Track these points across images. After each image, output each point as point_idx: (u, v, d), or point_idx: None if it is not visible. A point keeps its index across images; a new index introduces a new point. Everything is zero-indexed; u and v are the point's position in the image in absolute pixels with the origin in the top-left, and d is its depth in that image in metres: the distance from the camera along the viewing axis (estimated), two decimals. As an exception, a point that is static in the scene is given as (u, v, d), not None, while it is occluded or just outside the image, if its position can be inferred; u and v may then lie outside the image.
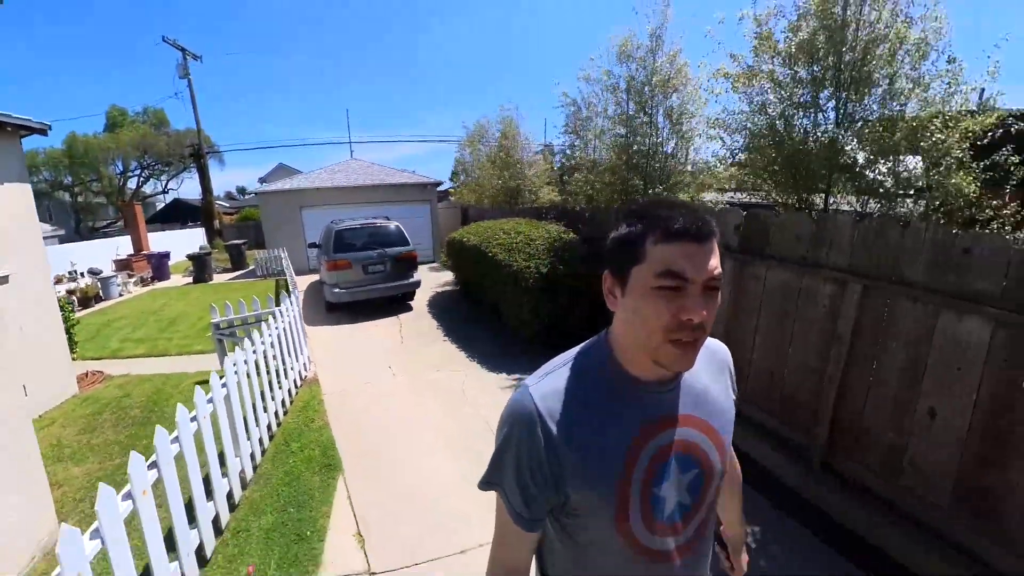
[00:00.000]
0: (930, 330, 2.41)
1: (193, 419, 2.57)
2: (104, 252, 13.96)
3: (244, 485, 3.08)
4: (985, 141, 3.27)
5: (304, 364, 5.06)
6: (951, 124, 3.25)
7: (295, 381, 4.64)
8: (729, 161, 4.67)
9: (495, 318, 6.79)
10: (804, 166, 3.80)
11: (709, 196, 6.09)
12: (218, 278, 13.40)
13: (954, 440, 2.33)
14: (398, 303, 8.49)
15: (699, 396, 0.85)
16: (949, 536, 2.37)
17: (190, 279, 13.16)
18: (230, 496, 2.86)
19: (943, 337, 2.37)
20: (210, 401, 2.74)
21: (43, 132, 5.01)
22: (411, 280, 8.13)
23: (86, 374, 5.58)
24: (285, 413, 4.13)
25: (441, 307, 8.36)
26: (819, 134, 3.78)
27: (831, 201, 3.88)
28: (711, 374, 0.90)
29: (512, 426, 0.78)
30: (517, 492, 0.78)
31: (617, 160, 6.08)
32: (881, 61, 3.47)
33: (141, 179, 30.42)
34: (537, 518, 0.80)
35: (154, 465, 2.14)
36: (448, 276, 10.53)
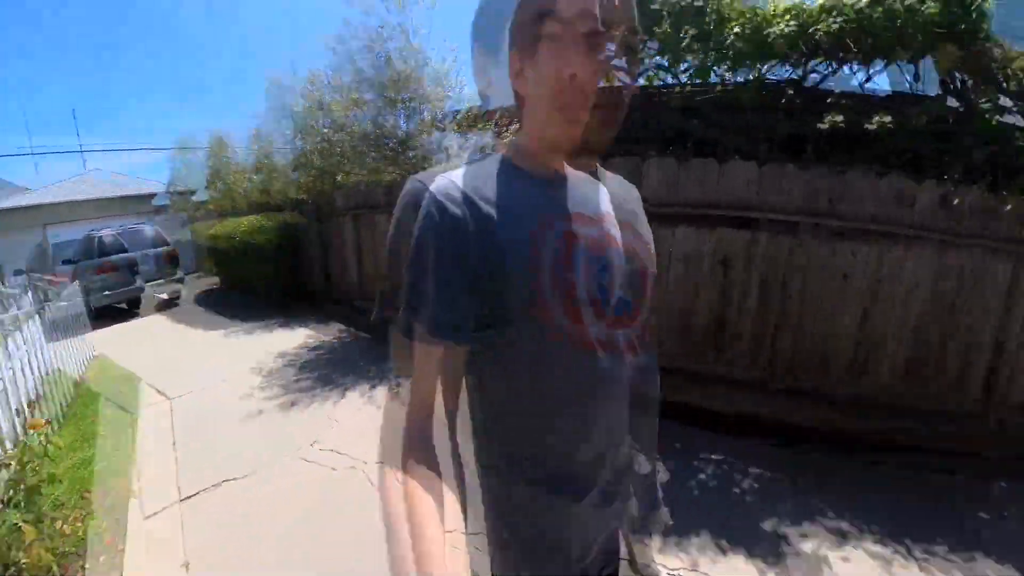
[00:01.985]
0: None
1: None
2: None
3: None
4: None
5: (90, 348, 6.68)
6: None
7: (88, 354, 6.38)
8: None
9: (245, 294, 9.15)
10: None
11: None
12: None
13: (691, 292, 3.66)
14: (166, 303, 9.71)
15: (614, 202, 0.88)
16: (688, 368, 3.57)
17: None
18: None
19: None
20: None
21: None
22: (176, 276, 9.75)
23: None
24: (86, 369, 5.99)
25: (205, 300, 10.14)
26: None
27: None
28: (626, 198, 0.95)
29: (416, 224, 0.72)
30: (437, 295, 0.70)
31: (322, 161, 8.72)
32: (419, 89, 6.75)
33: None
34: (463, 321, 0.72)
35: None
36: (210, 280, 11.94)
